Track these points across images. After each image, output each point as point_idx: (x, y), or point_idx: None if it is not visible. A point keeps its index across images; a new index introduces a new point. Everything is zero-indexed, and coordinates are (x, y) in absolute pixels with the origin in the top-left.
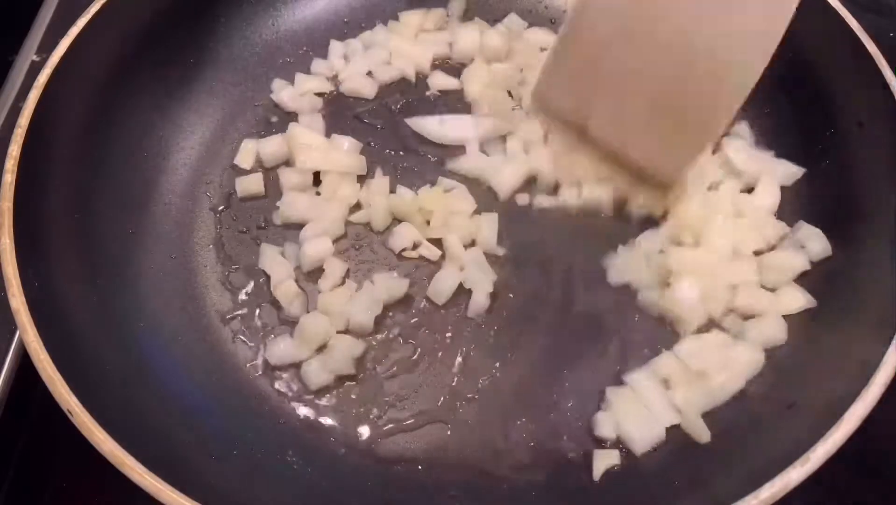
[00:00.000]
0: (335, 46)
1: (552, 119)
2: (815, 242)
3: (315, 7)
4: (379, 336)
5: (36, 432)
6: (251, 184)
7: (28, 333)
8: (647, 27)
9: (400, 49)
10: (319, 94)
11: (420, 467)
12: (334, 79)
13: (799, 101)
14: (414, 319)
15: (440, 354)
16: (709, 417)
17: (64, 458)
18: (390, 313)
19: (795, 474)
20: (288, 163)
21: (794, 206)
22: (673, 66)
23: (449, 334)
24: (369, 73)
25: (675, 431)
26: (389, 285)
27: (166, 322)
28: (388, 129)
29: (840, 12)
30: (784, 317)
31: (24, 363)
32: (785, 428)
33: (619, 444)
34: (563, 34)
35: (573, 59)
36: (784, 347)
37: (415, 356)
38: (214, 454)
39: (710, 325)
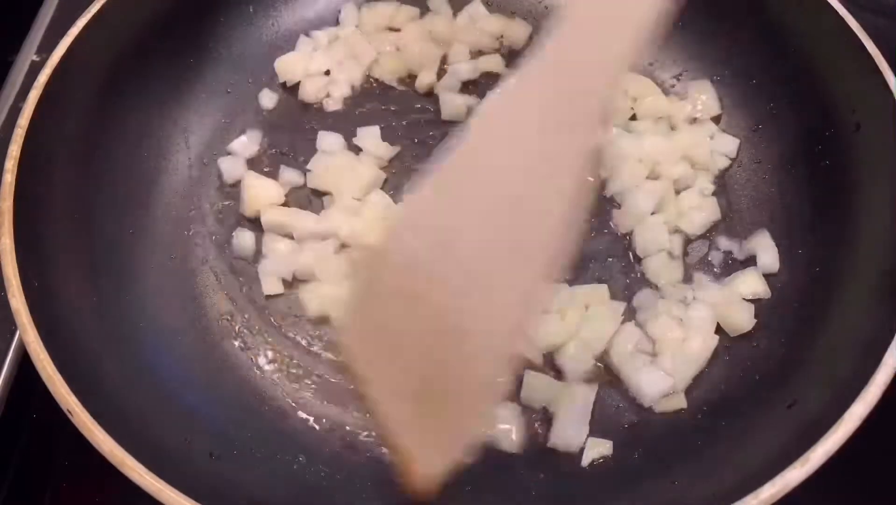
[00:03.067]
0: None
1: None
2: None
3: (315, 7)
4: None
5: (36, 432)
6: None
7: (28, 333)
8: (426, 291)
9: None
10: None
11: None
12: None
13: (798, 100)
14: None
15: None
16: (708, 417)
17: (64, 458)
18: None
19: (795, 474)
20: None
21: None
22: (442, 340)
23: None
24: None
25: (674, 429)
26: None
27: (166, 322)
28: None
29: (840, 12)
30: (784, 316)
31: (24, 363)
32: (785, 428)
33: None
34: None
35: (365, 311)
36: (784, 347)
37: None
38: (214, 454)
39: None
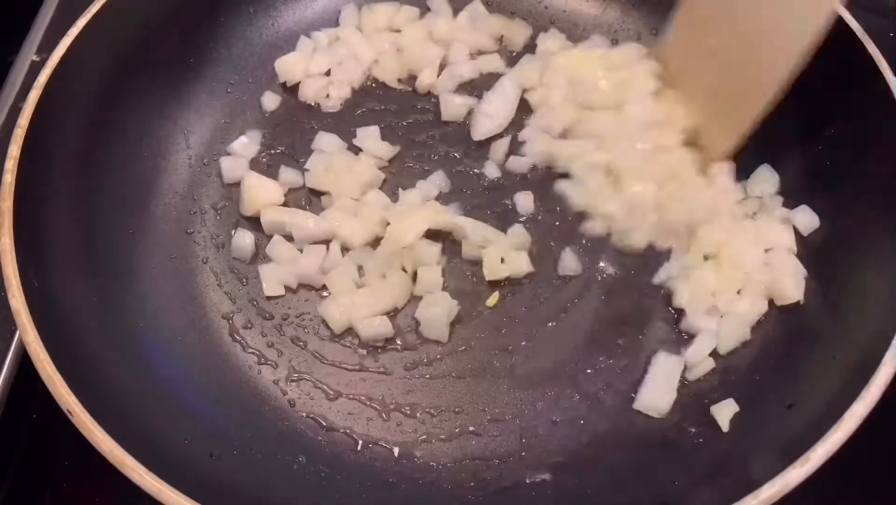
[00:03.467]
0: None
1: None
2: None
3: (315, 7)
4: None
5: (36, 432)
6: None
7: (28, 333)
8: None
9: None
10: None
11: (422, 467)
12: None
13: (799, 101)
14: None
15: (437, 355)
16: (708, 417)
17: (64, 458)
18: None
19: (795, 474)
20: None
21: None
22: (741, 39)
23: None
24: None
25: (674, 429)
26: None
27: (166, 322)
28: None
29: (840, 12)
30: (785, 316)
31: (24, 363)
32: (785, 428)
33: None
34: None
35: (681, 21)
36: (784, 347)
37: (416, 357)
38: (214, 454)
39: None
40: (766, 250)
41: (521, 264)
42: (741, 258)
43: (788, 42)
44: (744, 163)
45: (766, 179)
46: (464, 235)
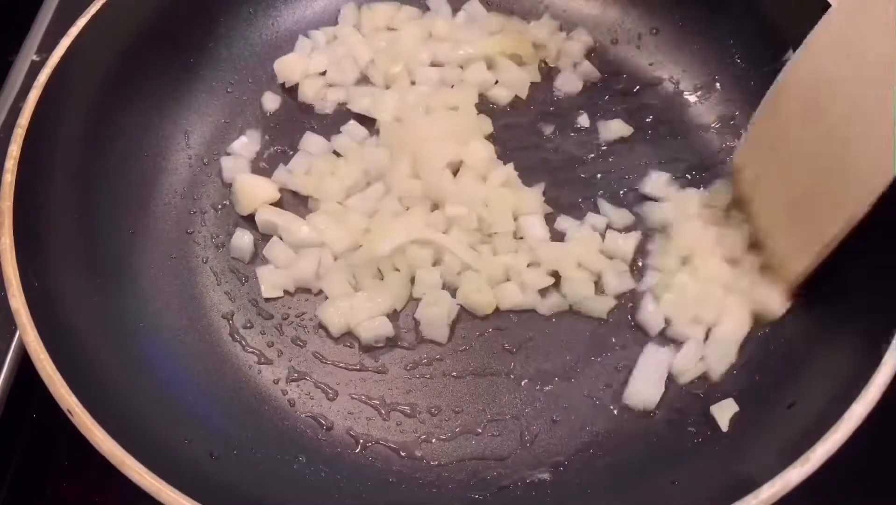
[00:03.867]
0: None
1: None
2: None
3: (315, 7)
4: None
5: (36, 432)
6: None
7: (28, 333)
8: (826, 108)
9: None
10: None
11: (422, 467)
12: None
13: None
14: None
15: (437, 355)
16: (708, 417)
17: (64, 458)
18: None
19: (795, 474)
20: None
21: None
22: (829, 153)
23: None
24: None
25: (674, 429)
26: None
27: (166, 322)
28: None
29: None
30: (784, 316)
31: (24, 363)
32: (785, 428)
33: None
34: (765, 101)
35: (761, 128)
36: (784, 347)
37: (415, 357)
38: (214, 454)
39: None
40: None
41: (490, 301)
42: (708, 268)
43: (879, 159)
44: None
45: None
46: (441, 258)
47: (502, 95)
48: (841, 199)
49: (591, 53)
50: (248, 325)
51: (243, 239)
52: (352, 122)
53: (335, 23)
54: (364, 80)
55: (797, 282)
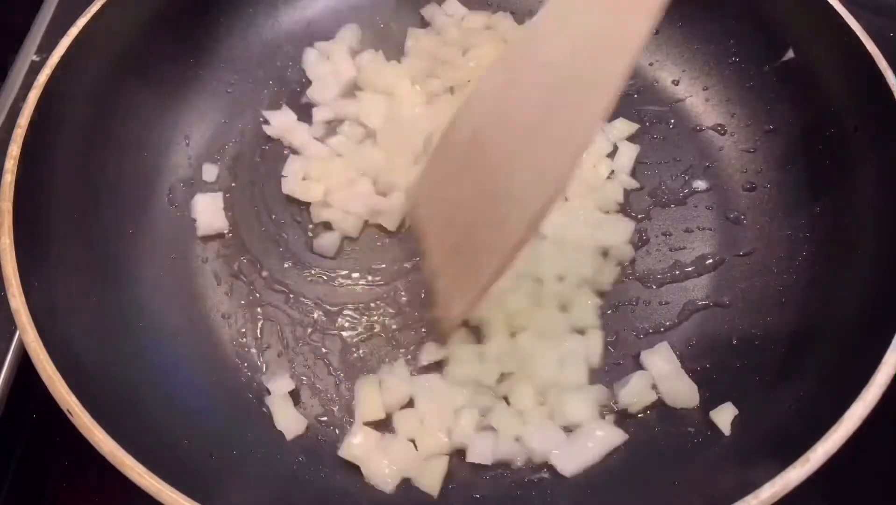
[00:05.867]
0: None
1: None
2: None
3: (315, 7)
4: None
5: (36, 432)
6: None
7: (28, 333)
8: (479, 160)
9: None
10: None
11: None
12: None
13: (798, 100)
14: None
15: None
16: (708, 417)
17: (64, 458)
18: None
19: (795, 474)
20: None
21: (794, 208)
22: (483, 201)
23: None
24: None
25: (674, 429)
26: None
27: (166, 322)
28: None
29: (840, 12)
30: (785, 316)
31: (24, 363)
32: (785, 428)
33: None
34: (431, 154)
35: (430, 169)
36: (784, 348)
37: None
38: (214, 454)
39: None
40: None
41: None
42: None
43: (523, 210)
44: None
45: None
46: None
47: None
48: (493, 247)
49: None
50: (248, 325)
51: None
52: (347, 121)
53: (337, 22)
54: (349, 93)
55: (457, 322)
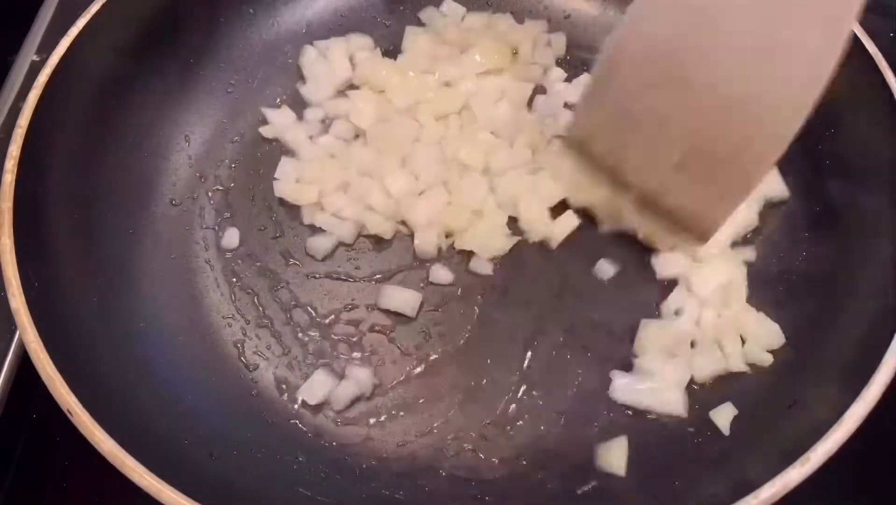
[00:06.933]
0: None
1: (585, 159)
2: None
3: (315, 7)
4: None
5: (36, 432)
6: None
7: (28, 333)
8: (683, 74)
9: None
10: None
11: (423, 467)
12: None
13: None
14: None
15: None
16: (708, 417)
17: (64, 458)
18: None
19: (795, 474)
20: None
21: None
22: (709, 114)
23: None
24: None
25: (674, 430)
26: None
27: (166, 322)
28: None
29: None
30: (784, 316)
31: (24, 363)
32: (785, 428)
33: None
34: (596, 77)
35: (607, 103)
36: (784, 347)
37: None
38: (214, 454)
39: None
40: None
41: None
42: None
43: (783, 100)
44: None
45: None
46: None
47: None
48: (745, 146)
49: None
50: (248, 325)
51: (235, 237)
52: (338, 121)
53: (337, 22)
54: (341, 93)
55: (712, 233)
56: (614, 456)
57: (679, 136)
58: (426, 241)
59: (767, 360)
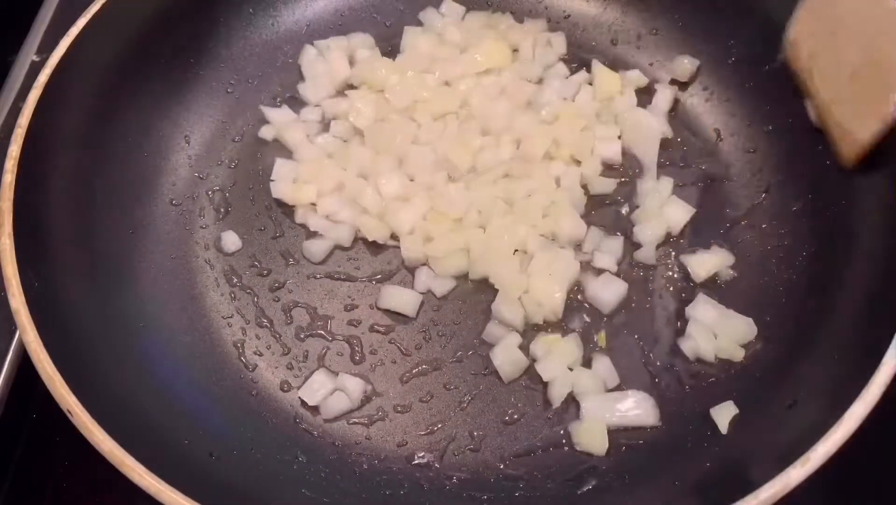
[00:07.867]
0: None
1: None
2: None
3: (315, 7)
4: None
5: (36, 432)
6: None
7: (28, 333)
8: None
9: None
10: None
11: (423, 467)
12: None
13: (798, 100)
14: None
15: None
16: (707, 417)
17: (64, 458)
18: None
19: (795, 474)
20: None
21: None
22: (882, 21)
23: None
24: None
25: (674, 430)
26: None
27: (166, 322)
28: None
29: None
30: (785, 316)
31: (24, 363)
32: (785, 428)
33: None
34: None
35: (817, 4)
36: (784, 347)
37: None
38: (214, 454)
39: None
40: None
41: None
42: None
43: None
44: None
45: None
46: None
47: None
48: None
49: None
50: (248, 325)
51: (232, 239)
52: (337, 120)
53: (336, 22)
54: (340, 93)
55: (865, 151)
56: (588, 435)
57: (862, 47)
58: (410, 249)
59: (739, 354)
